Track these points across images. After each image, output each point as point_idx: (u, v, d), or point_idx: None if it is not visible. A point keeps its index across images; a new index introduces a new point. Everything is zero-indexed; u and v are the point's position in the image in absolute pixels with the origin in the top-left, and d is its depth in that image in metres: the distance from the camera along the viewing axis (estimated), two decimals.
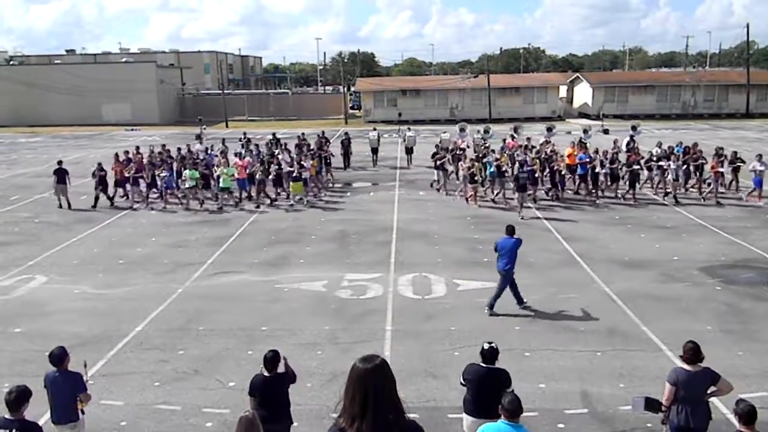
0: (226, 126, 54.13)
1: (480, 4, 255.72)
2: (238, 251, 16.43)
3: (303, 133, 30.05)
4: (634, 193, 21.50)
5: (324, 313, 12.02)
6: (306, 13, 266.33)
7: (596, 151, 22.12)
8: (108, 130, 53.47)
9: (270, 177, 22.28)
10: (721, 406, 7.99)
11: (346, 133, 31.39)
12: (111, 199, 22.28)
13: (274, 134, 31.39)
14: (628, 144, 25.51)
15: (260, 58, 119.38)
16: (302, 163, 22.15)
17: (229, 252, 16.39)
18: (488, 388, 6.62)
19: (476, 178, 21.30)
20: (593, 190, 21.83)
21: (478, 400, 6.75)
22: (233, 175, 21.84)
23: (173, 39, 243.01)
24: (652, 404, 6.63)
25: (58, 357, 6.84)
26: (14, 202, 23.21)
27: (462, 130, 29.08)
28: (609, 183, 22.02)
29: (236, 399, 8.55)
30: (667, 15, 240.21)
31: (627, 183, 21.81)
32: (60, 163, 22.36)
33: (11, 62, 76.95)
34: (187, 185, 21.77)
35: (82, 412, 6.95)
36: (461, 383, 7.00)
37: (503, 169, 22.09)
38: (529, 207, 20.40)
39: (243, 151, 25.00)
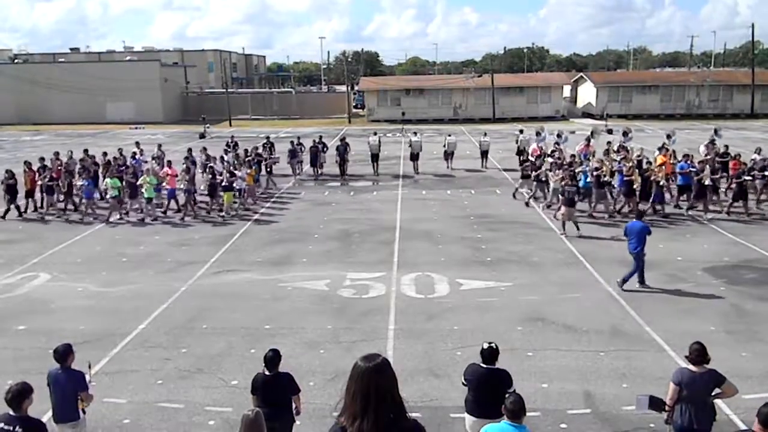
0: (230, 125, 54.19)
1: (484, 3, 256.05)
2: (241, 250, 16.44)
3: (298, 137, 28.31)
4: (746, 205, 19.10)
5: (326, 312, 12.02)
6: (310, 12, 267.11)
7: (687, 159, 19.92)
8: (112, 128, 53.57)
9: (202, 187, 21.02)
10: (725, 408, 7.97)
11: (342, 139, 28.14)
12: (20, 210, 20.33)
13: (268, 137, 29.48)
14: (711, 150, 22.80)
15: (264, 56, 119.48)
16: (233, 171, 20.54)
17: (232, 250, 16.40)
18: (489, 388, 6.62)
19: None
20: (697, 205, 19.25)
21: (479, 401, 6.74)
22: (156, 184, 20.05)
23: (177, 38, 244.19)
24: (656, 403, 6.62)
25: (62, 354, 6.84)
26: (18, 200, 23.18)
27: (538, 134, 25.92)
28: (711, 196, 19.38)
29: (239, 397, 8.55)
30: (672, 15, 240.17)
31: (733, 196, 19.33)
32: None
33: (15, 60, 77.08)
34: (109, 195, 20.05)
35: (83, 412, 6.94)
36: (462, 383, 6.99)
37: (603, 179, 19.14)
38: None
39: (228, 155, 23.76)
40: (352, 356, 6.52)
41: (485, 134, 29.67)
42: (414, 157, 27.83)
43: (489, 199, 22.43)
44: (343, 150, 26.82)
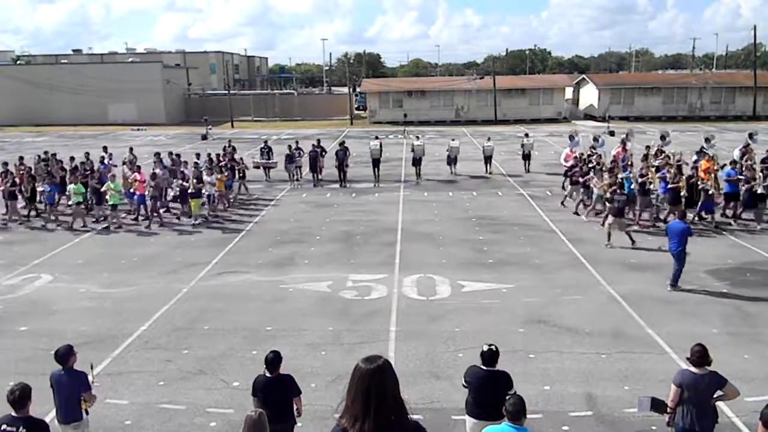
0: (232, 126, 54.26)
1: (486, 5, 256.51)
2: (243, 251, 16.44)
3: (296, 142, 26.91)
4: None
5: (328, 314, 12.01)
6: (312, 13, 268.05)
7: (734, 165, 18.84)
8: (114, 129, 53.66)
9: (173, 194, 20.36)
10: (727, 410, 7.96)
11: (341, 143, 26.96)
12: None
13: (266, 141, 28.02)
14: (744, 155, 21.23)
15: (266, 58, 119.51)
16: (200, 177, 19.60)
17: (234, 252, 16.41)
18: (489, 390, 6.61)
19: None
20: (748, 214, 18.20)
21: (479, 403, 6.74)
22: (121, 190, 19.37)
23: (179, 39, 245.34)
24: (658, 405, 6.62)
25: (63, 355, 6.84)
26: (20, 201, 23.20)
27: (572, 138, 24.42)
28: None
29: (240, 399, 8.55)
30: (675, 17, 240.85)
31: None
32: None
33: (18, 62, 77.32)
34: (72, 201, 19.11)
35: (86, 412, 6.95)
36: (463, 385, 6.99)
37: (648, 186, 18.21)
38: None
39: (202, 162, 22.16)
40: (353, 358, 6.51)
41: (489, 139, 28.87)
42: (416, 162, 26.77)
43: (491, 201, 22.42)
44: (342, 155, 25.61)
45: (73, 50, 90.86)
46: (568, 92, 63.41)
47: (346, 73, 78.72)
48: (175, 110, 61.47)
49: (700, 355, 6.50)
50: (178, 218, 20.02)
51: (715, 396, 6.53)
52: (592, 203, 19.35)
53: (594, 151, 22.80)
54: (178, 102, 62.93)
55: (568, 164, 22.18)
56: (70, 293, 13.41)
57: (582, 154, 22.49)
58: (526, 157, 28.30)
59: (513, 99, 56.88)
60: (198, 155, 24.06)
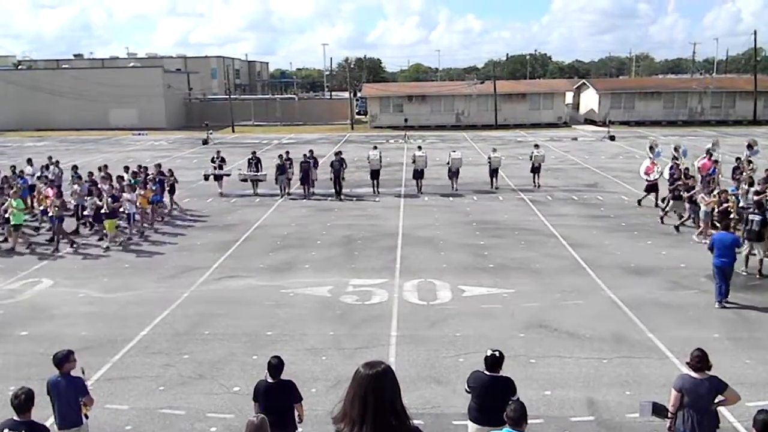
0: (233, 131, 54.32)
1: (487, 10, 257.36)
2: (244, 256, 16.44)
3: (287, 152, 25.13)
4: None
5: (329, 319, 12.00)
6: (313, 18, 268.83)
7: None
8: (115, 134, 53.71)
9: (86, 212, 18.51)
10: (728, 415, 7.94)
11: (337, 153, 25.11)
12: None
13: (254, 152, 25.99)
14: None
15: (267, 63, 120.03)
16: (116, 195, 17.80)
17: (235, 256, 16.41)
18: (492, 395, 6.59)
19: (732, 216, 15.82)
20: None
21: (482, 408, 6.72)
22: (24, 208, 17.71)
23: (181, 44, 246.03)
24: (659, 410, 6.62)
25: (60, 359, 6.83)
26: None
27: (652, 149, 21.68)
28: None
29: (240, 404, 8.54)
30: (675, 21, 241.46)
31: None
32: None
33: (19, 67, 77.45)
34: None
35: (86, 417, 6.94)
36: (466, 390, 6.98)
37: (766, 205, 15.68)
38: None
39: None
40: (354, 363, 6.50)
41: (494, 150, 26.36)
42: (417, 174, 24.80)
43: (491, 206, 22.41)
44: (338, 166, 23.77)
45: (75, 55, 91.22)
46: (569, 97, 63.53)
47: (346, 77, 78.64)
48: (176, 115, 61.53)
49: (700, 360, 6.50)
50: (101, 238, 17.95)
51: (715, 401, 6.53)
52: (699, 221, 17.41)
53: (675, 161, 20.41)
54: (179, 107, 63.02)
55: (651, 177, 20.77)
56: (71, 298, 13.40)
57: (680, 165, 19.97)
58: (536, 170, 25.79)
59: (513, 104, 56.94)
60: (126, 168, 22.09)
